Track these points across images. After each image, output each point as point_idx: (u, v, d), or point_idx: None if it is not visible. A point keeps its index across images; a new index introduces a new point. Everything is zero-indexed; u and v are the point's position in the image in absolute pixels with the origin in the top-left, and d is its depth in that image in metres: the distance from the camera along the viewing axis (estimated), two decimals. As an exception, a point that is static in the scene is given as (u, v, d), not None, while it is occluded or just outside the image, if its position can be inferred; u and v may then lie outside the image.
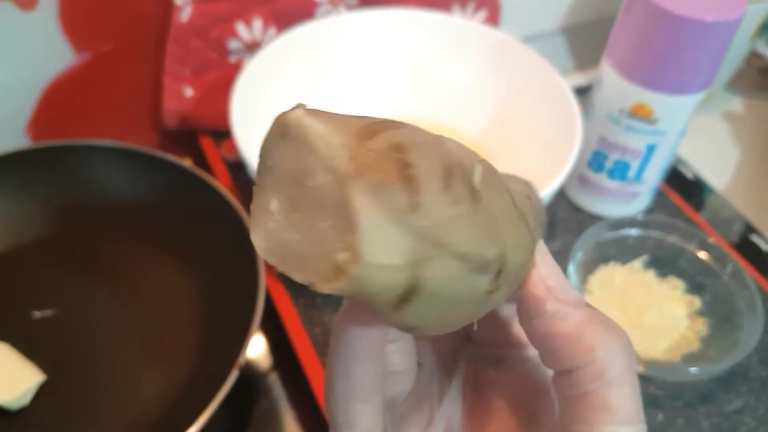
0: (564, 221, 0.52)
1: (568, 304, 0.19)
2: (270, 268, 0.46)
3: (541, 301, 0.19)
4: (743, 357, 0.40)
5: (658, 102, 0.43)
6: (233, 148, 0.53)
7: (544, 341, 0.20)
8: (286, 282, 0.46)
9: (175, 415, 0.40)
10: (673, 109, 0.44)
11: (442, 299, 0.16)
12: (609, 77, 0.45)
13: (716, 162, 0.64)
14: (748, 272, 0.45)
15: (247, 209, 0.20)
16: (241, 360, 0.37)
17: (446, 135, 0.18)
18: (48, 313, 0.44)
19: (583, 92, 0.54)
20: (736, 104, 0.71)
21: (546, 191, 0.39)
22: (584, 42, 0.74)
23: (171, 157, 0.48)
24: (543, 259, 0.20)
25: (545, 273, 0.20)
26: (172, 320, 0.45)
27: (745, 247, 0.53)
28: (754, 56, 0.72)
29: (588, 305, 0.20)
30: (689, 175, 0.59)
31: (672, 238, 0.46)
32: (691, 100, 0.43)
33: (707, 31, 0.40)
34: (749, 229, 0.55)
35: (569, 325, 0.19)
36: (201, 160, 0.56)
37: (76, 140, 0.49)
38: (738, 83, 0.72)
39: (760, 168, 0.64)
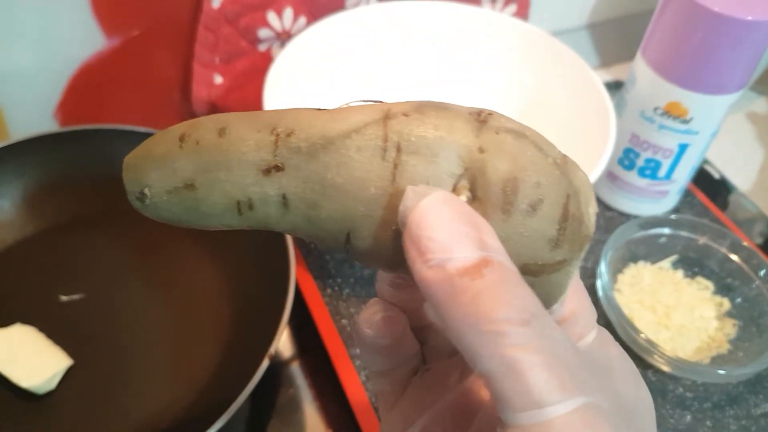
0: (592, 219, 0.51)
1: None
2: (299, 259, 0.46)
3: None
4: None
5: (693, 101, 0.43)
6: (260, 137, 0.53)
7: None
8: (314, 273, 0.46)
9: (203, 402, 0.40)
10: (708, 109, 0.43)
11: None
12: (643, 74, 0.45)
13: (740, 162, 0.64)
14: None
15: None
16: (272, 349, 0.37)
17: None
18: (75, 297, 0.44)
19: (607, 89, 0.53)
20: (761, 104, 0.71)
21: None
22: (610, 38, 0.73)
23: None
24: None
25: None
26: (201, 307, 0.45)
27: (771, 248, 0.53)
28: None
29: None
30: (716, 175, 0.59)
31: (702, 239, 0.46)
32: (727, 100, 0.43)
33: (747, 31, 0.39)
34: (776, 231, 0.55)
35: None
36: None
37: (107, 124, 0.49)
38: (763, 84, 0.71)
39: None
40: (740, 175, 0.61)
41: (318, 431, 0.44)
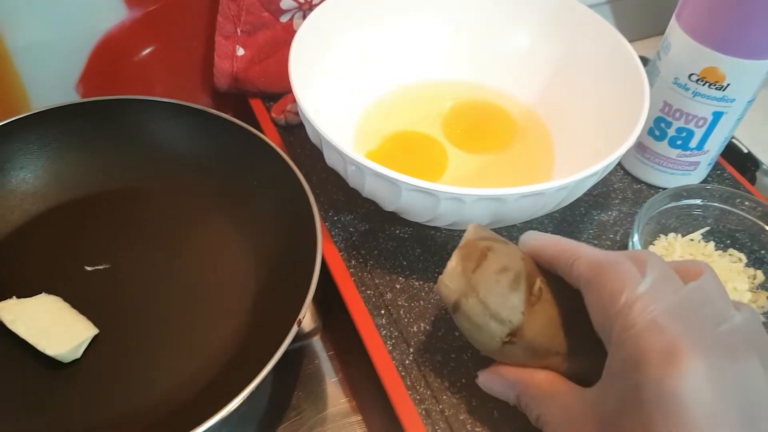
0: (620, 191, 0.50)
1: None
2: (324, 232, 0.45)
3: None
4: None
5: (730, 66, 0.42)
6: (282, 111, 0.53)
7: None
8: (339, 246, 0.45)
9: (228, 373, 0.39)
10: (746, 75, 0.42)
11: (470, 321, 0.33)
12: (678, 40, 0.43)
13: (765, 137, 0.62)
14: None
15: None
16: (301, 315, 0.36)
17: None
18: (100, 267, 0.44)
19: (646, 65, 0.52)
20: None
21: (604, 163, 0.38)
22: (632, 14, 0.72)
23: (226, 115, 0.47)
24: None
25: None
26: (226, 277, 0.44)
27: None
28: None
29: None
30: (744, 149, 0.58)
31: (735, 211, 0.45)
32: (766, 65, 0.42)
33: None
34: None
35: None
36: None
37: (129, 95, 0.48)
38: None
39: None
40: (766, 151, 0.60)
41: (340, 403, 0.43)
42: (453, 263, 0.33)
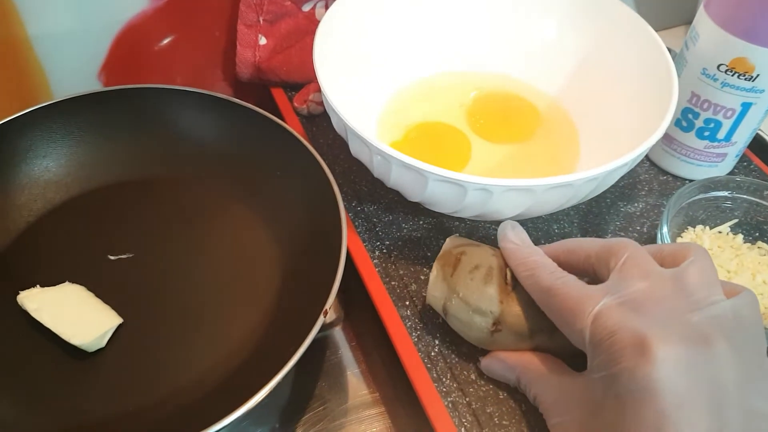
0: (646, 182, 0.50)
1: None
2: (348, 223, 0.45)
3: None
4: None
5: (760, 56, 0.41)
6: (305, 100, 0.52)
7: None
8: (363, 236, 0.45)
9: (253, 364, 0.39)
10: (777, 65, 0.41)
11: (459, 320, 0.36)
12: (707, 29, 0.43)
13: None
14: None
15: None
16: (327, 306, 0.36)
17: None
18: (124, 257, 0.44)
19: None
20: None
21: (635, 153, 0.37)
22: (655, 5, 0.71)
23: (249, 105, 0.47)
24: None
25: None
26: (249, 267, 0.44)
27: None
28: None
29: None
30: (770, 141, 0.57)
31: (764, 203, 0.44)
32: (796, 55, 0.41)
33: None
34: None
35: None
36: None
37: (152, 84, 0.48)
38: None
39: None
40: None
41: (362, 394, 0.43)
42: (434, 273, 0.37)
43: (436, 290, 0.37)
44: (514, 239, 0.36)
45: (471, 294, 0.35)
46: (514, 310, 0.35)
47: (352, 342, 0.46)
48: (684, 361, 0.27)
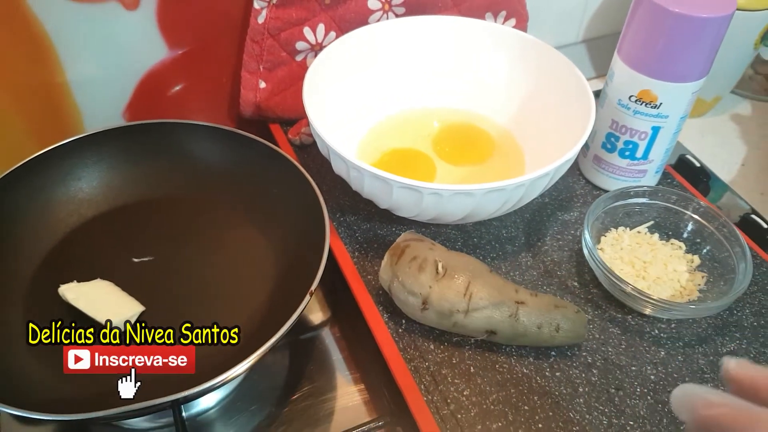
0: (581, 196, 0.59)
1: None
2: (332, 229, 0.54)
3: None
4: (734, 301, 0.47)
5: (660, 89, 0.51)
6: (297, 133, 0.62)
7: None
8: (344, 240, 0.54)
9: (255, 337, 0.47)
10: (674, 95, 0.51)
11: (398, 299, 0.47)
12: (619, 69, 0.53)
13: (724, 157, 0.71)
14: (751, 247, 0.51)
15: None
16: (312, 287, 0.45)
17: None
18: (146, 259, 0.53)
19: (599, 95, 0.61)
20: (744, 107, 0.79)
21: (563, 160, 0.47)
22: (604, 53, 0.82)
23: (252, 135, 0.57)
24: None
25: None
26: (249, 268, 0.53)
27: (747, 225, 0.60)
28: (759, 62, 0.79)
29: None
30: (696, 164, 0.66)
31: (673, 206, 0.53)
32: (690, 87, 0.51)
33: (702, 26, 0.48)
34: (752, 210, 0.62)
35: None
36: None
37: (169, 119, 0.58)
38: (745, 87, 0.79)
39: (765, 162, 0.71)
40: (724, 170, 0.69)
41: (345, 375, 0.52)
42: (385, 261, 0.47)
43: (384, 274, 0.47)
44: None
45: (407, 279, 0.46)
46: (439, 295, 0.45)
47: (337, 335, 0.55)
48: None
